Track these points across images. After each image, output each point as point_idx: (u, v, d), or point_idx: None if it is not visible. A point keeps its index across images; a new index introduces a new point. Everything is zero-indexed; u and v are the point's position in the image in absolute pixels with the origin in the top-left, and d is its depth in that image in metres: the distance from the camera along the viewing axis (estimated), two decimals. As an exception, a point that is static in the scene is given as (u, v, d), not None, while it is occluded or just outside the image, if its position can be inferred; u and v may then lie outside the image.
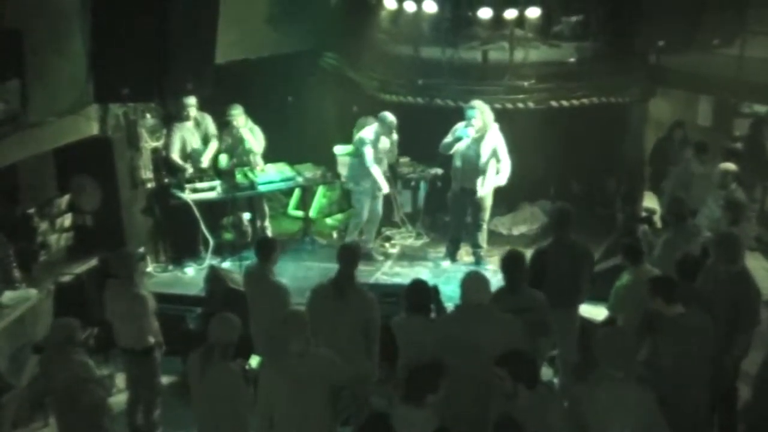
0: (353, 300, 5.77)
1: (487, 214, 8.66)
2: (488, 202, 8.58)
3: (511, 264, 5.79)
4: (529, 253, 6.59)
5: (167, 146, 8.82)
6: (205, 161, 8.94)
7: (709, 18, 8.11)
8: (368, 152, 8.61)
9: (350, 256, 5.98)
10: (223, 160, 9.12)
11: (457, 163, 8.43)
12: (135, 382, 6.59)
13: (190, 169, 8.84)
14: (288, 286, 6.44)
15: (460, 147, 8.34)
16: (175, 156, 8.80)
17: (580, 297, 6.63)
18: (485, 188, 8.42)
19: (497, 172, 8.38)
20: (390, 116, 8.61)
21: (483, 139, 8.25)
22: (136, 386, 6.60)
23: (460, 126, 8.36)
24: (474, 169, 8.34)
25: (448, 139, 8.41)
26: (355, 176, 8.86)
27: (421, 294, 5.60)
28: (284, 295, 6.26)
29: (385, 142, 8.74)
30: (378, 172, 8.68)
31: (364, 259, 8.86)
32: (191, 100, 8.70)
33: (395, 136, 8.79)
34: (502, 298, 5.62)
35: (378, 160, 8.73)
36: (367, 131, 8.68)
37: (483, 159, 8.28)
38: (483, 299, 5.23)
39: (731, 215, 7.01)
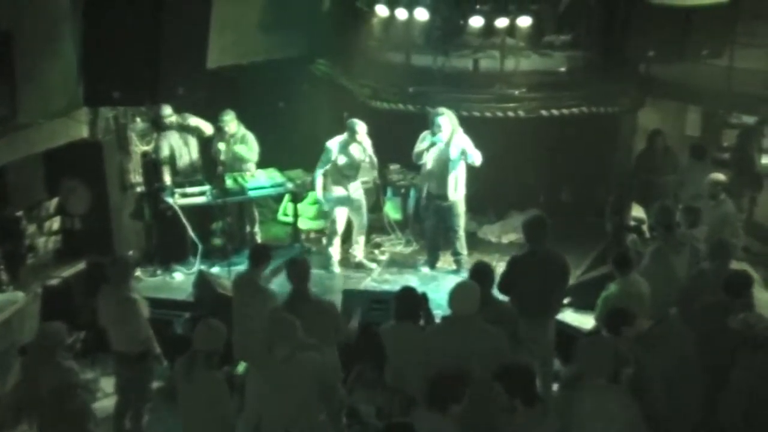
0: (310, 314, 5.66)
1: (461, 220, 8.62)
2: (461, 209, 8.56)
3: (479, 277, 5.73)
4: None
5: (156, 152, 8.81)
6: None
7: (698, 29, 8.16)
8: (322, 160, 8.61)
9: (300, 272, 5.93)
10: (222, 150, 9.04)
11: (426, 169, 8.45)
12: (125, 387, 6.54)
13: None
14: (276, 293, 6.43)
15: (431, 154, 8.36)
16: (163, 156, 8.80)
17: (554, 308, 6.60)
18: (458, 193, 8.44)
19: (465, 174, 8.39)
20: (357, 123, 8.48)
21: (450, 144, 8.28)
22: (127, 391, 6.55)
23: (426, 134, 8.39)
24: (443, 174, 8.36)
25: (420, 147, 8.44)
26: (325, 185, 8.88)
27: (410, 301, 5.60)
28: (273, 301, 6.25)
29: (354, 150, 8.61)
30: (319, 180, 8.63)
31: (354, 267, 8.94)
32: (167, 111, 8.64)
33: (367, 145, 8.58)
34: None
35: (348, 169, 8.66)
36: (333, 141, 8.64)
37: (452, 164, 8.30)
38: (471, 310, 5.20)
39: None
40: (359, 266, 8.99)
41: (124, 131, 8.42)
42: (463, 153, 8.26)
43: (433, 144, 8.34)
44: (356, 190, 8.80)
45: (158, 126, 8.76)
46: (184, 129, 8.90)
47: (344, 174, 8.67)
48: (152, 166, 8.86)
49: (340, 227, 8.89)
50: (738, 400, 5.14)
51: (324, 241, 9.54)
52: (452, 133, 8.28)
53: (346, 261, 9.05)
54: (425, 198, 8.64)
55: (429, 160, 8.42)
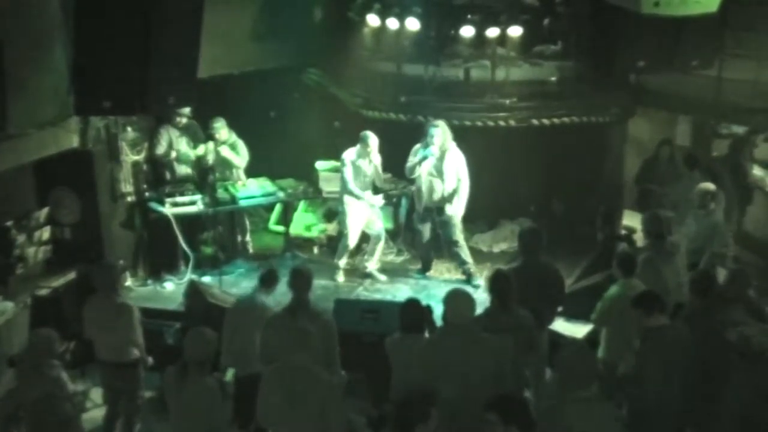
0: (309, 326, 5.62)
1: (458, 230, 8.65)
2: (457, 219, 8.59)
3: (500, 283, 5.77)
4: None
5: (153, 145, 8.81)
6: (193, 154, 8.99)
7: (687, 40, 8.21)
8: (347, 173, 8.57)
9: (303, 281, 5.90)
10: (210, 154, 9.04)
11: (420, 183, 8.48)
12: (115, 397, 6.50)
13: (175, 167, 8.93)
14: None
15: (423, 167, 8.39)
16: (160, 151, 8.81)
17: (548, 319, 6.62)
18: (455, 207, 8.48)
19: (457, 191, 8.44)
20: (369, 135, 8.50)
21: (444, 158, 8.32)
22: (117, 401, 6.51)
23: (417, 147, 8.44)
24: (438, 187, 8.41)
25: (412, 161, 8.47)
26: (340, 197, 8.83)
27: (415, 313, 5.59)
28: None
29: (366, 162, 8.61)
30: (357, 190, 8.59)
31: (363, 277, 8.92)
32: (185, 109, 8.70)
33: (376, 156, 8.66)
34: (494, 316, 5.63)
35: (363, 181, 8.66)
36: (349, 152, 8.62)
37: (446, 177, 8.35)
38: (466, 318, 5.14)
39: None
40: (367, 276, 8.94)
41: (115, 140, 8.39)
42: (458, 179, 8.36)
43: (425, 157, 8.36)
44: (371, 198, 8.77)
45: (168, 119, 8.78)
46: (188, 132, 8.95)
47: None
48: (150, 164, 8.86)
49: (352, 242, 8.85)
50: (734, 416, 5.13)
51: (315, 250, 9.55)
52: (443, 144, 8.30)
53: (353, 271, 9.04)
54: (422, 211, 8.64)
55: (423, 173, 8.43)
